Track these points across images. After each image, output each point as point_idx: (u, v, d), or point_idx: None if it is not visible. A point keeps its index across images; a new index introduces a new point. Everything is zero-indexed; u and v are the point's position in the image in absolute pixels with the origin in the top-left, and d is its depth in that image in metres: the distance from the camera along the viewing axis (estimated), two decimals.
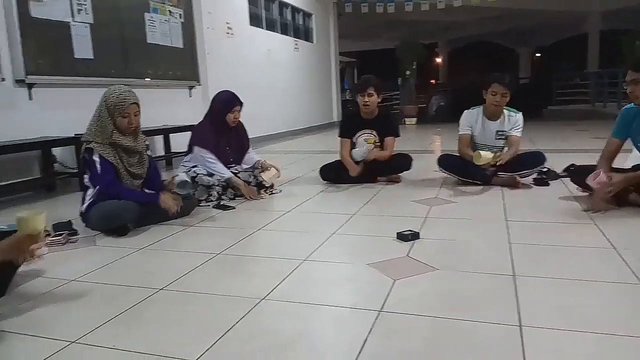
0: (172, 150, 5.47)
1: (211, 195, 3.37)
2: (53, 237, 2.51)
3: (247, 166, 3.67)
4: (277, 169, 3.63)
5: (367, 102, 3.80)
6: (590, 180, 2.76)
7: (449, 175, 3.80)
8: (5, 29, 3.84)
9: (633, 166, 3.02)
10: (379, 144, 3.89)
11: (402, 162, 3.96)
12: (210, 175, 3.40)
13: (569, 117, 10.99)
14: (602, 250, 2.15)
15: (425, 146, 6.65)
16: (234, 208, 3.24)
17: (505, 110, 3.63)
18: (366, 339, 1.43)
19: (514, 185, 3.52)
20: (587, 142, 6.16)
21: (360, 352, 1.36)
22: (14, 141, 3.79)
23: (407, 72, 11.72)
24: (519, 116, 3.64)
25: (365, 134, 3.91)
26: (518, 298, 1.67)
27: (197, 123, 3.65)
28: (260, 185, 3.58)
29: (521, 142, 3.68)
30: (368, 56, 21.74)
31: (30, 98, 4.08)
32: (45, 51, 4.16)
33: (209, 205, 3.28)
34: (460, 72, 23.39)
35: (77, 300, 1.80)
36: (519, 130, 3.63)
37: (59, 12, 4.26)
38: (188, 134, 3.63)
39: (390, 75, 13.19)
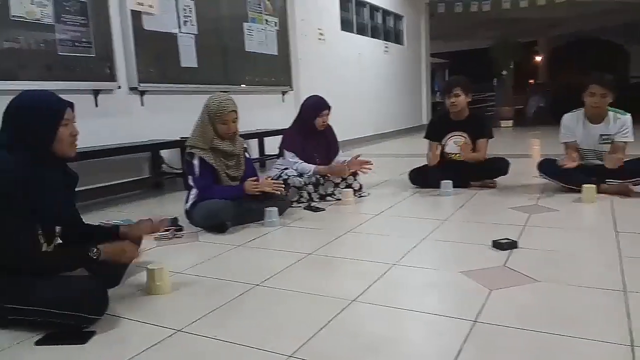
0: (266, 153, 5.70)
1: (302, 196, 3.47)
2: (162, 232, 2.72)
3: None
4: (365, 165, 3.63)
5: (454, 102, 3.69)
6: None
7: (550, 181, 3.57)
8: (122, 41, 4.24)
9: None
10: (470, 145, 3.76)
11: (497, 166, 3.78)
12: (301, 175, 3.50)
13: None
14: None
15: (523, 150, 6.30)
16: (324, 210, 3.30)
17: (610, 112, 3.33)
18: (460, 350, 1.40)
19: (625, 193, 3.24)
20: None
21: None
22: (128, 144, 4.18)
23: (504, 72, 11.17)
24: (626, 118, 3.32)
25: (455, 136, 3.80)
26: (630, 316, 1.54)
27: (288, 127, 3.77)
28: (349, 188, 3.62)
29: (633, 147, 3.36)
30: (461, 57, 21.02)
31: (142, 104, 4.47)
32: (155, 61, 4.54)
33: (300, 207, 3.37)
34: (563, 71, 21.79)
35: (183, 291, 1.94)
36: (627, 134, 3.29)
37: (167, 24, 4.63)
38: (280, 137, 3.76)
39: (485, 76, 12.66)
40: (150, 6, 4.43)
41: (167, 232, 2.69)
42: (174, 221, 2.90)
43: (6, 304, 1.58)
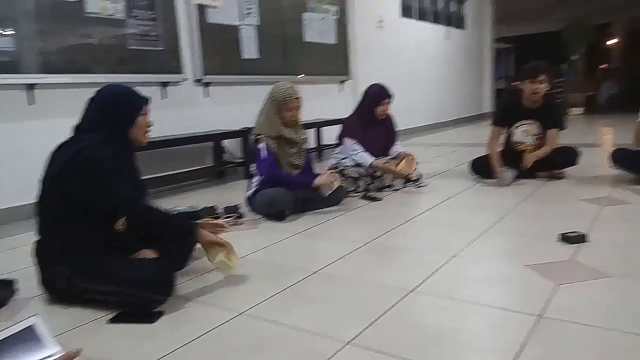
0: (323, 143, 5.72)
1: (359, 186, 3.46)
2: (224, 218, 2.82)
3: (391, 157, 3.67)
4: (411, 157, 3.54)
5: (536, 89, 3.47)
6: None
7: (624, 172, 3.36)
8: (188, 34, 4.39)
9: None
10: (540, 135, 3.59)
11: (566, 156, 3.60)
12: (358, 166, 3.49)
13: None
14: None
15: (594, 139, 5.95)
16: (381, 199, 3.29)
17: None
18: (524, 344, 1.36)
19: None
20: None
21: (518, 358, 1.30)
22: (193, 134, 4.34)
23: (574, 57, 10.53)
24: None
25: (526, 125, 3.62)
26: None
27: (347, 116, 3.77)
28: (407, 179, 3.57)
29: None
30: (527, 41, 20.00)
31: (206, 95, 4.62)
32: (218, 53, 4.66)
33: (357, 196, 3.38)
34: (639, 55, 20.25)
35: (244, 276, 2.01)
36: None
37: (230, 17, 4.74)
38: (337, 127, 3.77)
39: (553, 61, 11.99)
40: (215, 0, 4.55)
41: (230, 219, 2.78)
42: (236, 208, 2.99)
43: (83, 283, 1.72)
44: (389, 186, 3.54)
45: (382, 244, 2.35)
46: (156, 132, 3.97)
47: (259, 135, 2.94)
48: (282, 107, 2.92)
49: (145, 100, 1.90)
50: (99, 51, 3.72)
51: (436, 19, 8.86)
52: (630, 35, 21.26)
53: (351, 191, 3.42)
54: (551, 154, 3.54)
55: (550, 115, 3.57)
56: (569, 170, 3.63)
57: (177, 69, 4.27)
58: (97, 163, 1.70)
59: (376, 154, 3.58)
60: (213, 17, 4.56)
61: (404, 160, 3.50)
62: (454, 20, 9.58)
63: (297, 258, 2.22)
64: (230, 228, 2.09)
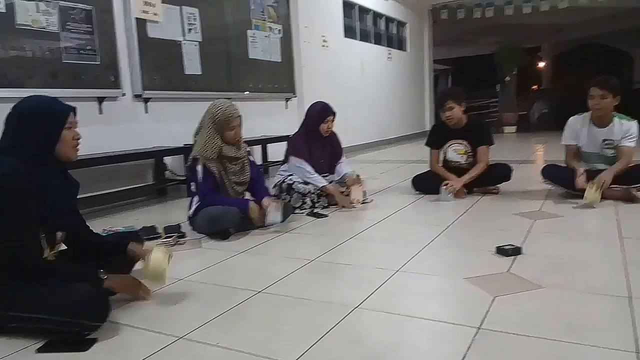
0: (269, 160, 5.70)
1: (305, 203, 3.47)
2: (164, 238, 2.73)
3: (338, 177, 3.71)
4: (360, 185, 3.60)
5: (449, 116, 3.68)
6: None
7: (554, 187, 3.56)
8: (127, 48, 4.26)
9: None
10: (471, 153, 3.76)
11: (500, 172, 3.78)
12: (306, 183, 3.50)
13: None
14: None
15: (527, 156, 6.29)
16: (327, 216, 3.30)
17: (615, 118, 3.33)
18: (464, 356, 1.39)
19: (629, 199, 3.22)
20: None
21: None
22: (131, 150, 4.19)
23: (507, 78, 11.17)
24: (632, 124, 3.31)
25: (456, 144, 3.80)
26: (635, 322, 1.52)
27: (292, 134, 3.78)
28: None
29: (636, 153, 3.35)
30: (464, 63, 21.05)
31: (146, 111, 4.49)
32: (159, 68, 4.56)
33: (303, 213, 3.37)
34: (566, 77, 21.76)
35: (185, 298, 1.94)
36: (632, 139, 3.29)
37: (172, 32, 4.66)
38: (284, 144, 3.77)
39: (488, 82, 12.67)
40: (155, 14, 4.46)
41: (170, 239, 2.69)
42: (177, 228, 2.90)
43: (7, 311, 1.58)
44: (335, 203, 3.56)
45: (327, 261, 2.35)
46: (93, 148, 3.87)
47: (197, 156, 2.87)
48: (223, 127, 2.87)
49: (69, 111, 1.73)
50: (31, 65, 3.54)
51: (378, 40, 9.14)
52: (558, 59, 22.83)
53: (297, 207, 3.41)
54: (486, 170, 3.71)
55: (476, 133, 3.76)
56: (503, 185, 3.81)
57: (115, 84, 4.13)
58: (12, 197, 1.54)
59: (322, 170, 3.61)
60: (154, 32, 4.47)
61: (352, 190, 3.53)
62: (395, 42, 9.92)
63: (240, 278, 2.17)
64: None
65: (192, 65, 4.85)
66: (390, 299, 1.84)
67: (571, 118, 3.51)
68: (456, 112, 3.68)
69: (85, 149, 3.77)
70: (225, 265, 2.37)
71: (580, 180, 3.27)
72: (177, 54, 4.72)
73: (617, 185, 3.27)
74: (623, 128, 3.30)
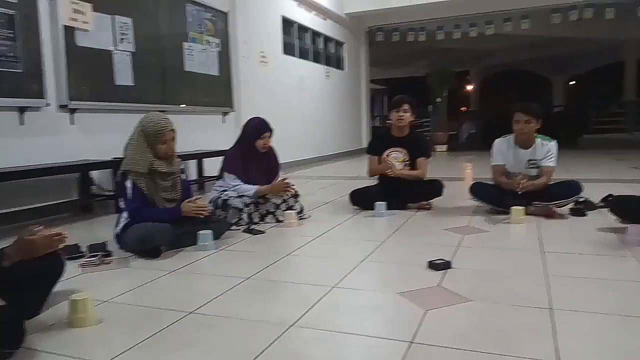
0: (205, 175, 5.57)
1: (241, 219, 3.40)
2: (88, 257, 2.57)
3: None
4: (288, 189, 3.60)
5: (401, 116, 3.86)
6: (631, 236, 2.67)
7: (481, 204, 3.73)
8: (52, 57, 4.03)
9: None
10: (408, 162, 3.90)
11: (432, 188, 3.93)
12: (241, 197, 3.44)
13: (605, 146, 10.70)
14: None
15: (457, 173, 6.57)
16: (264, 232, 3.25)
17: (537, 139, 3.57)
18: None
19: (549, 215, 3.43)
20: (624, 172, 5.97)
21: None
22: (55, 164, 3.93)
23: (438, 100, 11.70)
24: (552, 145, 3.56)
25: (396, 152, 3.93)
26: (556, 333, 1.61)
27: (228, 149, 3.72)
28: (290, 210, 3.60)
29: (556, 171, 3.60)
30: (398, 83, 21.83)
31: (72, 122, 4.26)
32: (88, 78, 4.35)
33: (239, 229, 3.31)
34: (492, 99, 23.16)
35: (110, 321, 1.82)
36: (552, 159, 3.54)
37: (103, 41, 4.47)
38: (220, 159, 3.70)
39: (420, 103, 13.20)
40: (85, 22, 4.27)
41: (94, 258, 2.54)
42: (103, 246, 2.74)
43: None
44: (273, 213, 3.53)
45: (263, 278, 2.31)
46: (11, 161, 3.60)
47: (127, 171, 2.75)
48: (155, 140, 2.76)
49: None
50: None
51: (317, 58, 9.29)
52: (485, 82, 24.22)
53: (234, 223, 3.35)
54: (420, 185, 3.85)
55: (416, 144, 3.94)
56: (435, 201, 3.95)
57: (38, 94, 3.88)
58: None
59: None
60: (83, 40, 4.27)
61: (290, 218, 3.46)
62: (334, 60, 10.13)
63: (170, 299, 2.07)
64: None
65: (124, 76, 4.68)
66: (325, 316, 1.83)
67: (497, 140, 3.71)
68: (408, 117, 3.88)
69: (4, 162, 3.55)
70: (154, 285, 2.26)
71: (516, 181, 3.44)
72: (108, 64, 4.53)
73: (539, 202, 3.48)
74: (544, 149, 3.54)
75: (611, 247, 2.66)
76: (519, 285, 2.12)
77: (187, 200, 2.89)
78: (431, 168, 4.10)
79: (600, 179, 5.24)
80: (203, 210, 2.89)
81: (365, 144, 11.30)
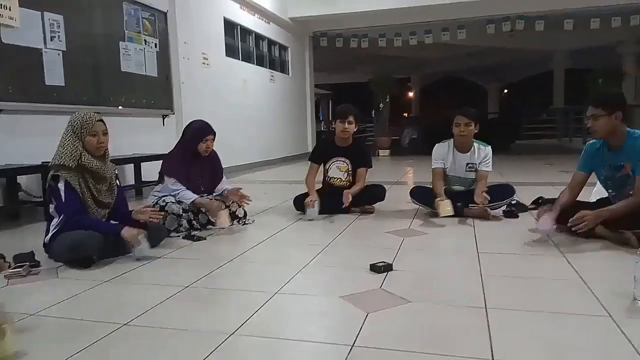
0: (143, 180, 5.37)
1: (181, 225, 3.30)
2: (13, 268, 2.40)
3: (217, 193, 3.61)
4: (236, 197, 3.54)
5: (346, 129, 3.87)
6: (542, 225, 2.85)
7: (421, 207, 3.83)
8: None
9: (598, 200, 3.10)
10: (351, 172, 3.95)
11: (376, 192, 4.00)
12: (179, 202, 3.34)
13: (536, 151, 11.33)
14: (571, 281, 2.18)
15: (398, 178, 6.72)
16: (205, 239, 3.17)
17: (475, 143, 3.71)
18: None
19: (484, 217, 3.58)
20: (554, 176, 6.33)
21: None
22: None
23: (381, 105, 11.95)
24: (488, 150, 3.72)
25: (339, 162, 3.97)
26: (490, 331, 1.66)
27: (168, 152, 3.61)
28: (233, 216, 3.53)
29: (491, 176, 3.75)
30: (343, 89, 22.15)
31: None
32: (14, 77, 4.08)
33: (179, 236, 3.20)
34: (432, 106, 24.01)
35: (38, 336, 1.71)
36: (488, 164, 3.69)
37: (31, 39, 4.21)
38: (160, 163, 3.58)
39: (364, 108, 13.44)
40: (11, 18, 4.00)
41: (21, 269, 2.37)
42: (30, 256, 2.57)
43: None
44: (213, 223, 3.44)
45: (203, 286, 2.24)
46: None
47: (58, 171, 2.58)
48: (84, 133, 2.62)
49: None
50: None
51: (260, 61, 9.23)
52: (425, 89, 25.02)
53: (173, 230, 3.24)
54: (364, 190, 3.90)
55: (358, 155, 3.99)
56: (378, 205, 4.01)
57: None
58: None
59: (200, 192, 3.47)
60: (9, 38, 4.00)
61: (222, 216, 3.35)
62: (278, 64, 10.10)
63: (102, 311, 1.97)
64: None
65: (54, 75, 4.42)
66: (267, 322, 1.80)
67: (437, 145, 3.83)
68: (352, 128, 3.89)
69: None
70: (85, 296, 2.13)
71: (437, 202, 3.53)
72: (37, 63, 4.27)
73: (475, 205, 3.61)
74: (481, 153, 3.69)
75: (541, 247, 2.80)
76: (456, 286, 2.18)
77: (136, 210, 2.77)
78: (375, 172, 4.17)
79: (531, 183, 5.53)
80: (159, 215, 2.84)
81: (310, 149, 11.34)
